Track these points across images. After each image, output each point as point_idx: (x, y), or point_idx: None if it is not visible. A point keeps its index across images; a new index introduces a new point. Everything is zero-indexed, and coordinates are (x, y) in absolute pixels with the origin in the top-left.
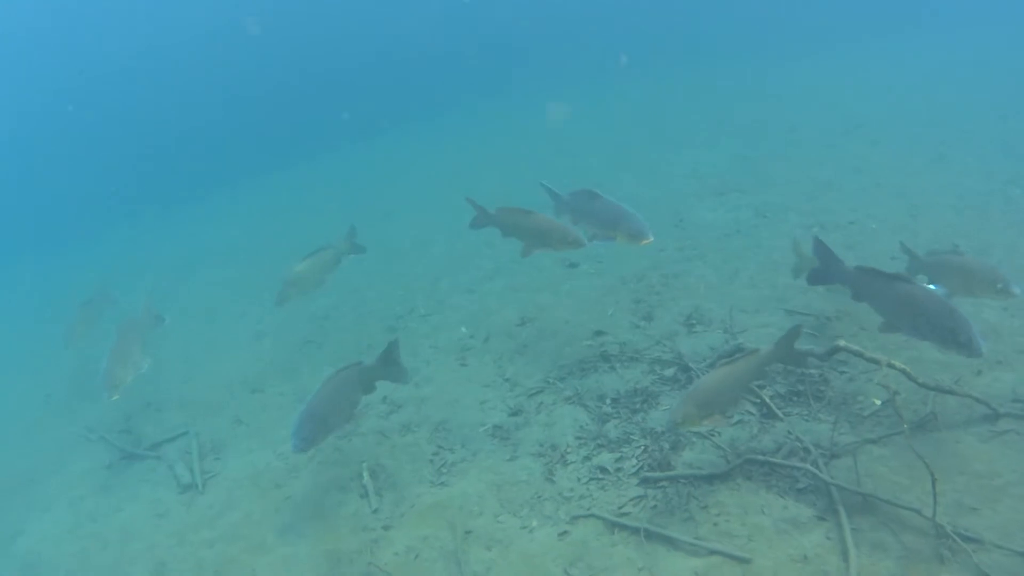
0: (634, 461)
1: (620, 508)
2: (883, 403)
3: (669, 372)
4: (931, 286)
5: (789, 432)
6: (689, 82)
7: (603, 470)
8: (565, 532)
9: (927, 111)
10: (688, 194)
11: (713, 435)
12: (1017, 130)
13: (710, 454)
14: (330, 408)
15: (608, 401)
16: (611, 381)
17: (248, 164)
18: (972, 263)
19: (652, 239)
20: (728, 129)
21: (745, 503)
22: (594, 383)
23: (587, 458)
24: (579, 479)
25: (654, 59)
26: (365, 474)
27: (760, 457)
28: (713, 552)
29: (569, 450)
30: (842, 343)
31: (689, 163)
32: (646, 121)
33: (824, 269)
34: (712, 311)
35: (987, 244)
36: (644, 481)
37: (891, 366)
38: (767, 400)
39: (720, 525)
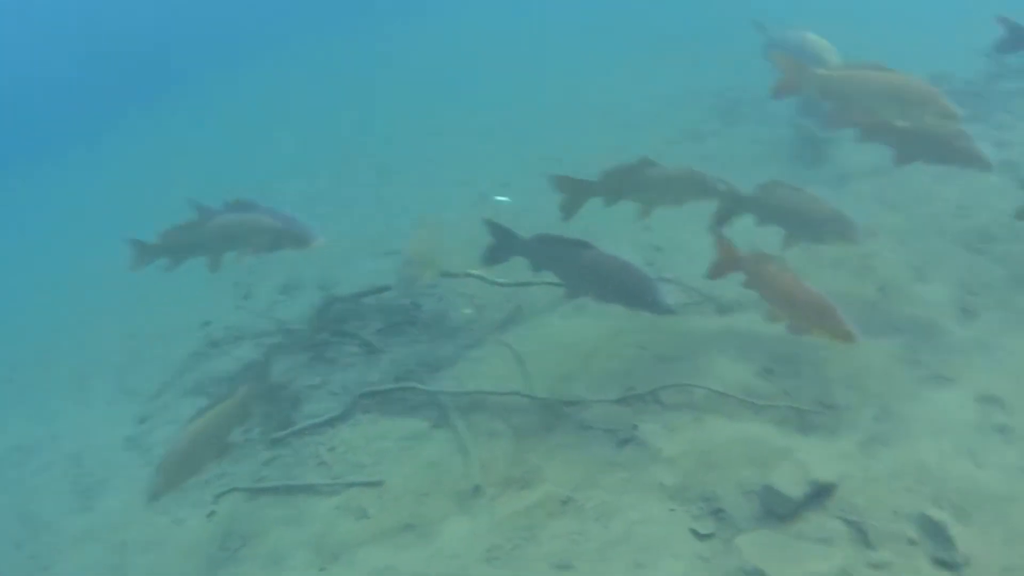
0: (258, 429)
1: (258, 474)
2: (473, 311)
3: (275, 341)
4: (500, 198)
5: (393, 360)
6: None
7: (232, 445)
8: (212, 512)
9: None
10: (273, 173)
11: (326, 384)
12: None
13: (327, 401)
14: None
15: (225, 381)
16: (224, 363)
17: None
18: (818, 204)
19: (324, 240)
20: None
21: (367, 434)
22: (209, 369)
23: None
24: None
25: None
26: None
27: (370, 390)
28: (350, 485)
29: None
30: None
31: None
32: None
33: (501, 245)
34: (305, 274)
35: None
36: (273, 443)
37: (468, 275)
38: (368, 338)
39: (350, 460)
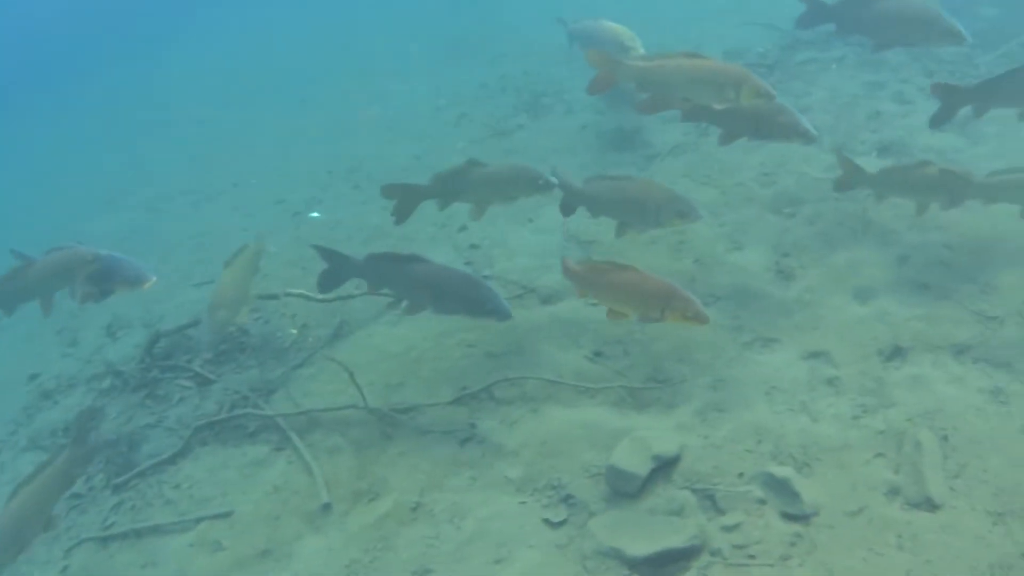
0: (101, 476)
1: (106, 522)
2: (299, 329)
3: (106, 384)
4: (313, 215)
5: (226, 389)
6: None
7: (76, 496)
8: (65, 567)
9: None
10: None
11: (162, 422)
12: None
13: (165, 439)
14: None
15: (61, 432)
16: (57, 414)
17: None
18: (652, 189)
19: (154, 279)
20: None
21: (209, 466)
22: (42, 422)
23: None
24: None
25: None
26: None
27: (206, 421)
28: (199, 520)
29: None
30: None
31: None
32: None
33: (334, 269)
34: (129, 313)
35: None
36: (116, 488)
37: (288, 295)
38: (198, 370)
39: (195, 495)
